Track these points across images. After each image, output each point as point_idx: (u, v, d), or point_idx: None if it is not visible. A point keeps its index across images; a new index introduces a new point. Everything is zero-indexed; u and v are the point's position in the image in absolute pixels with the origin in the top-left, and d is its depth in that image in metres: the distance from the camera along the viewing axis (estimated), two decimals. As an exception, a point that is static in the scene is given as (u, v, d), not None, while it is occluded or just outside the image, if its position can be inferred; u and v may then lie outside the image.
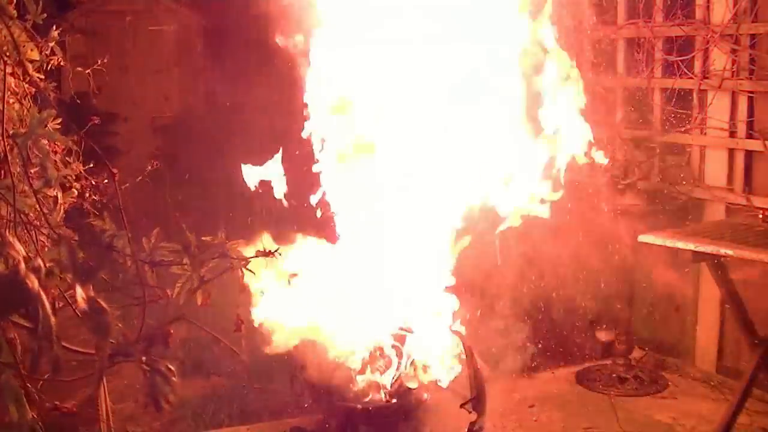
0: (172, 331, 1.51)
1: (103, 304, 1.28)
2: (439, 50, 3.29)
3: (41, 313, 1.17)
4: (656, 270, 4.66)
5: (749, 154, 4.20)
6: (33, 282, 1.18)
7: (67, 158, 2.74)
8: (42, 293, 1.18)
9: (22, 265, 1.19)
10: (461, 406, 3.29)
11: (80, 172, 2.83)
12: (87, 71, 3.26)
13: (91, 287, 1.30)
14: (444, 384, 3.42)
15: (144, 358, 1.36)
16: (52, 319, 1.19)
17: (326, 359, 3.30)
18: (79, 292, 1.25)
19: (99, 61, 3.28)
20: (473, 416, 3.26)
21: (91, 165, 2.84)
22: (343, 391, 3.27)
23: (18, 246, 1.22)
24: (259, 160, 3.56)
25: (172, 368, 1.37)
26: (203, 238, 1.69)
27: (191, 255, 1.63)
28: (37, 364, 1.20)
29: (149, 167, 3.65)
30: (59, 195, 2.35)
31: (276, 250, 1.88)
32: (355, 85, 3.42)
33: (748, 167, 4.22)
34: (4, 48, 1.94)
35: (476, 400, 3.28)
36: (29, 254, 1.30)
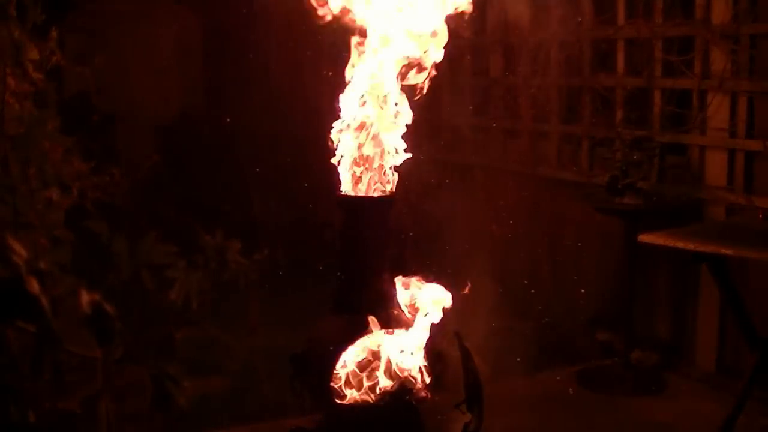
0: (177, 336, 1.51)
1: (108, 308, 1.27)
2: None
3: (43, 318, 1.17)
4: (656, 270, 4.66)
5: (749, 154, 4.20)
6: (34, 286, 1.18)
7: (67, 159, 2.73)
8: (43, 297, 1.18)
9: (23, 269, 1.19)
10: (455, 406, 3.29)
11: (80, 172, 2.83)
12: (87, 70, 3.26)
13: (96, 291, 1.29)
14: (442, 384, 3.41)
15: (152, 362, 1.36)
16: (54, 323, 1.19)
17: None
18: (84, 296, 1.24)
19: (98, 59, 3.27)
20: (468, 417, 3.25)
21: (91, 166, 2.83)
22: (342, 390, 3.26)
23: (19, 248, 1.21)
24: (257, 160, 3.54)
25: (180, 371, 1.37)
26: (205, 238, 1.68)
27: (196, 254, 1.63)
28: (40, 367, 1.19)
29: (149, 166, 3.64)
30: (58, 196, 2.34)
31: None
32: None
33: (748, 167, 4.21)
34: (4, 48, 1.93)
35: (471, 401, 3.27)
36: (30, 256, 1.30)
